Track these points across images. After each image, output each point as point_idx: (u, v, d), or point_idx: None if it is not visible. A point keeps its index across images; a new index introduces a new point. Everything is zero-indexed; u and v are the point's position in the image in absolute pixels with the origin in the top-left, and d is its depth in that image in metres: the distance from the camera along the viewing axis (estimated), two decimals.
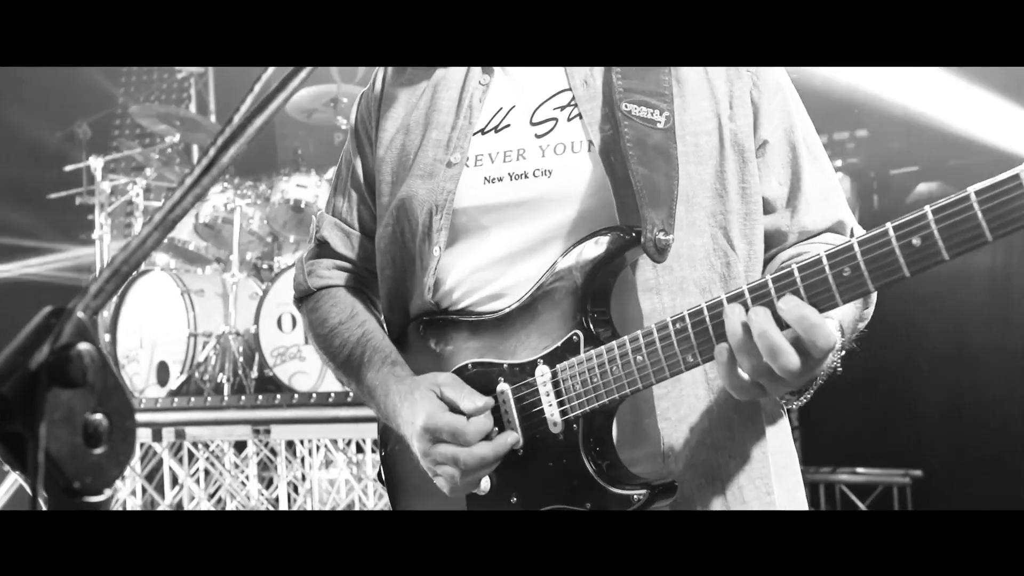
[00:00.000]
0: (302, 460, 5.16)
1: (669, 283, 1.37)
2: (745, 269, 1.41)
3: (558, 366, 1.34)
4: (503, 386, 1.39)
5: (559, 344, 1.34)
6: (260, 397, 4.61)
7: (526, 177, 1.41)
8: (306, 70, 0.95)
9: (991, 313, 5.33)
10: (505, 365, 1.39)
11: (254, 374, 5.00)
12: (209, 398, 4.76)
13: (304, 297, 1.70)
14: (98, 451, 0.76)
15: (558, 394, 1.33)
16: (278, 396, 4.58)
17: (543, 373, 1.35)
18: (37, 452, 0.71)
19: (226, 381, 5.00)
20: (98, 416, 0.76)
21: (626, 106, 1.37)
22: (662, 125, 1.36)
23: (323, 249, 1.68)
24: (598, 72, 1.44)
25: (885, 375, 5.14)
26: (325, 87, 5.35)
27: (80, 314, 0.79)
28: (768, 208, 1.44)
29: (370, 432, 4.48)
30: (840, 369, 1.26)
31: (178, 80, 7.48)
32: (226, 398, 4.71)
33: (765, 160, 1.43)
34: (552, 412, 1.34)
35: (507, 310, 1.41)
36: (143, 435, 4.78)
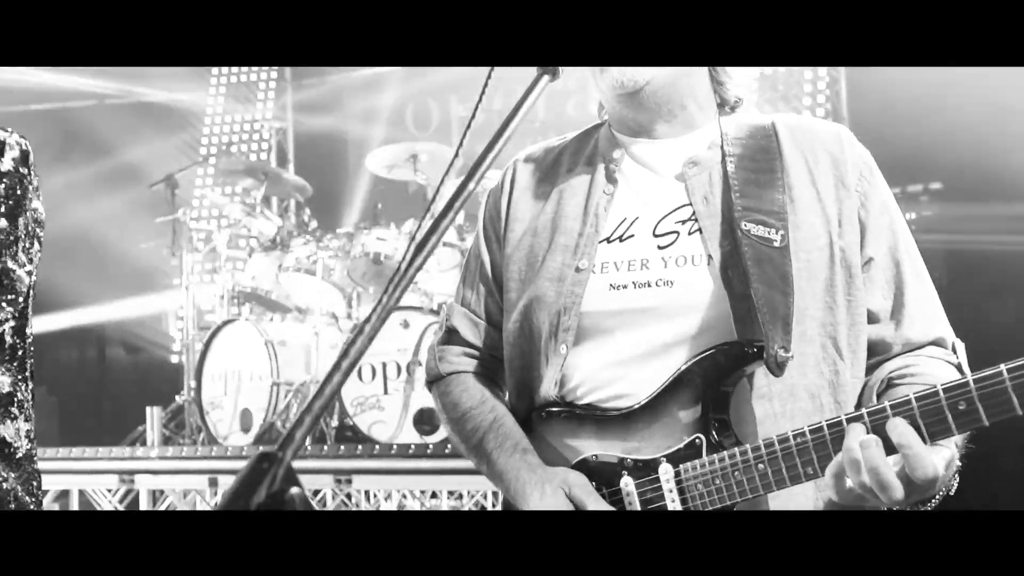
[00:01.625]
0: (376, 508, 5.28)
1: (780, 390, 1.47)
2: (851, 376, 1.50)
3: (681, 466, 1.44)
4: (627, 480, 1.49)
5: (682, 446, 1.45)
6: (342, 447, 4.74)
7: (649, 286, 1.52)
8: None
9: None
10: (628, 460, 1.49)
11: (334, 423, 5.15)
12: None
13: (435, 380, 1.81)
14: None
15: (680, 492, 1.44)
16: (359, 447, 4.71)
17: (667, 471, 1.45)
18: None
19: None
20: None
21: (745, 225, 1.49)
22: (778, 244, 1.48)
23: (453, 337, 1.79)
24: (717, 189, 1.55)
25: None
26: (405, 144, 5.54)
27: (287, 458, 0.90)
28: (872, 319, 1.54)
29: (446, 483, 4.59)
30: (952, 493, 1.33)
31: (259, 132, 7.76)
32: (308, 447, 4.85)
33: (870, 275, 1.54)
34: (675, 508, 1.44)
35: (632, 409, 1.50)
36: (227, 482, 4.93)
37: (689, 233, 1.54)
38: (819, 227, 1.51)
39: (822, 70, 6.22)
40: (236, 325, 5.56)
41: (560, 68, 1.30)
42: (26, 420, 2.05)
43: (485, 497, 4.71)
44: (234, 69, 7.80)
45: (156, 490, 5.21)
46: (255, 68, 7.75)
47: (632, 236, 1.57)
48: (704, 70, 1.63)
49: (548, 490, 1.50)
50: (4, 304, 1.91)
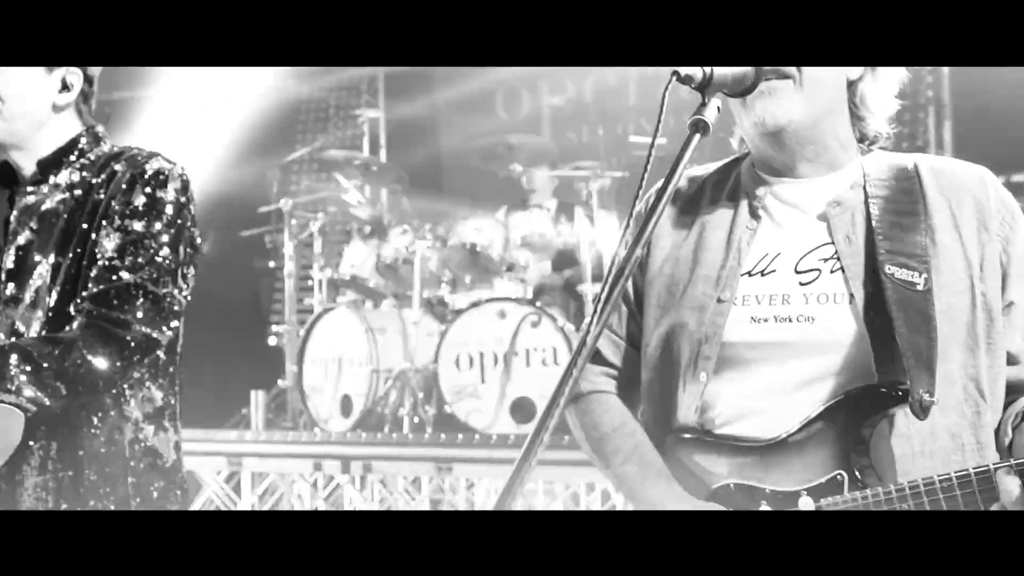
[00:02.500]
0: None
1: (920, 428, 1.49)
2: (992, 417, 1.53)
3: (823, 500, 1.47)
4: (766, 509, 1.52)
5: (823, 480, 1.49)
6: (443, 436, 4.86)
7: (790, 321, 1.56)
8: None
9: None
10: (767, 490, 1.53)
11: (432, 410, 5.28)
12: (395, 434, 5.06)
13: (575, 398, 1.83)
14: None
15: None
16: (460, 436, 4.82)
17: (807, 504, 1.48)
18: None
19: (405, 416, 5.29)
20: None
21: (889, 268, 1.52)
22: (921, 287, 1.51)
23: (594, 356, 1.80)
24: (860, 230, 1.58)
25: None
26: (501, 136, 5.61)
27: None
28: (1011, 360, 1.57)
29: (542, 474, 4.67)
30: None
31: (355, 123, 7.90)
32: (410, 435, 4.99)
33: (1011, 319, 1.57)
34: None
35: (773, 441, 1.54)
36: (331, 467, 5.11)
37: (831, 271, 1.57)
38: (961, 271, 1.54)
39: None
40: (337, 312, 5.72)
41: (710, 124, 1.33)
42: (175, 432, 2.19)
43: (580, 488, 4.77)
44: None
45: (257, 473, 5.41)
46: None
47: (774, 271, 1.61)
48: (845, 108, 1.64)
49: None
50: (165, 328, 2.04)
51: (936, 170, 1.63)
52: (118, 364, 1.97)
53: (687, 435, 1.63)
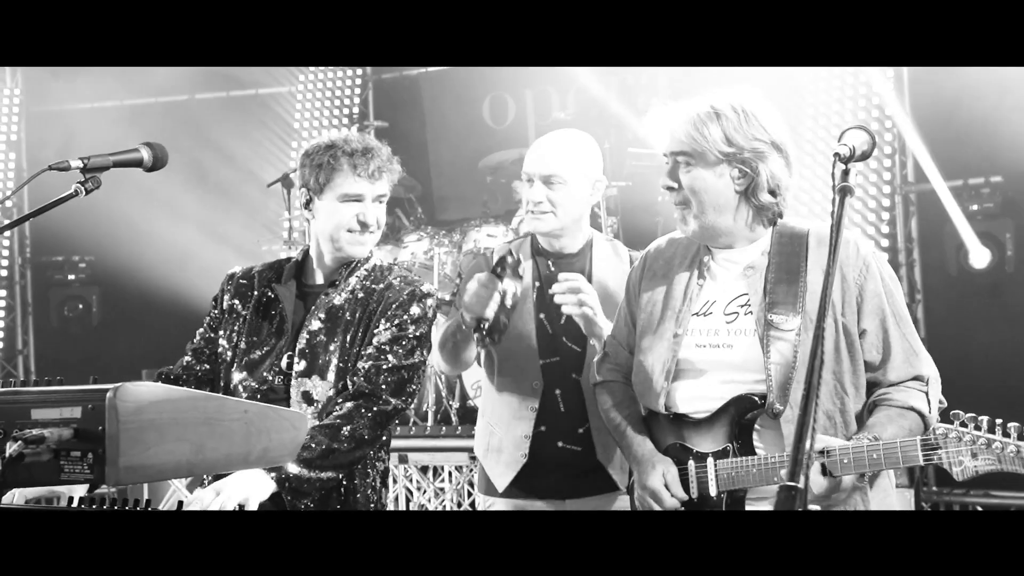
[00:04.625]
0: None
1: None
2: (854, 405, 2.32)
3: (719, 461, 2.34)
4: (691, 463, 2.39)
5: (720, 449, 2.36)
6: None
7: (719, 347, 2.38)
8: None
9: None
10: (695, 451, 2.40)
11: (456, 403, 5.70)
12: (428, 427, 5.48)
13: (594, 386, 2.75)
14: None
15: (716, 477, 2.33)
16: None
17: (711, 463, 2.35)
18: None
19: (430, 410, 5.71)
20: None
21: (770, 315, 2.31)
22: (790, 327, 2.28)
23: (606, 357, 2.72)
24: (760, 286, 2.36)
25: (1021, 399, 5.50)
26: (518, 150, 6.02)
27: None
28: (869, 367, 2.34)
29: None
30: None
31: (353, 130, 8.20)
32: (443, 428, 5.42)
33: (866, 339, 2.33)
34: (713, 487, 2.33)
35: (700, 420, 2.39)
36: None
37: (745, 314, 2.37)
38: (830, 311, 2.26)
39: (889, 70, 6.57)
40: None
41: (855, 187, 1.81)
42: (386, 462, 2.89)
43: None
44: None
45: None
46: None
47: (711, 313, 2.42)
48: (749, 214, 2.38)
49: (660, 468, 2.40)
50: (410, 400, 2.76)
51: (820, 237, 2.37)
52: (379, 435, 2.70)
53: (658, 414, 2.47)
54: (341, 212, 2.74)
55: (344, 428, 2.57)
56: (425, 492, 5.69)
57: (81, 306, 8.41)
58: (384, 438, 2.75)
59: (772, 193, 2.33)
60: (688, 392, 2.40)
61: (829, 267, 1.67)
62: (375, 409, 2.62)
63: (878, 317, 2.31)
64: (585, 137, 3.02)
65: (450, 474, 5.68)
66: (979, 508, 5.94)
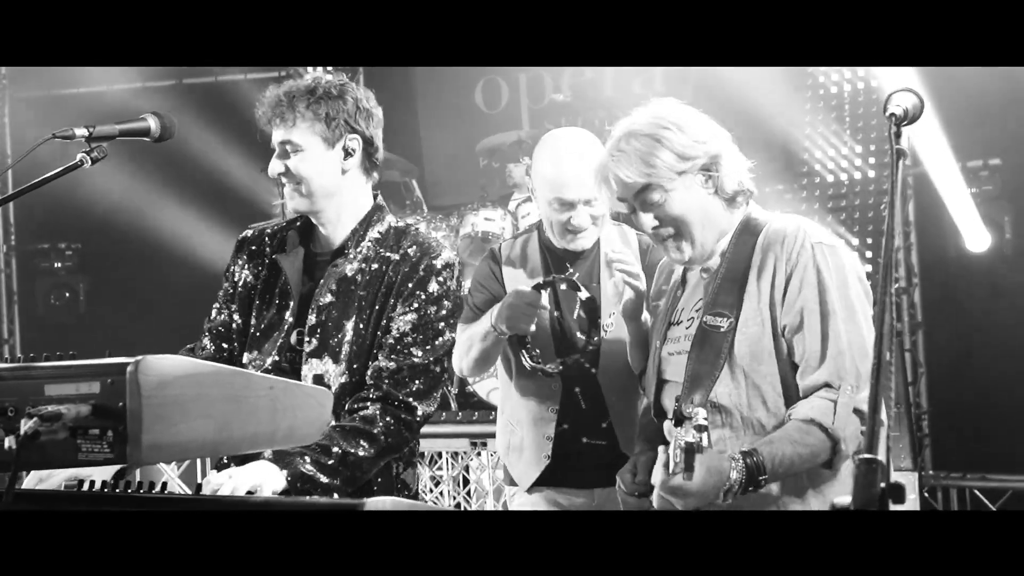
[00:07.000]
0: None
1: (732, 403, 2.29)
2: (770, 414, 2.25)
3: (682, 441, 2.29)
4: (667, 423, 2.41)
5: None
6: (476, 414, 5.22)
7: (681, 354, 2.36)
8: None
9: None
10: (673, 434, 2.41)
11: (454, 389, 5.63)
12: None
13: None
14: None
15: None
16: (493, 413, 5.17)
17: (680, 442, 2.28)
18: None
19: None
20: None
21: (705, 316, 2.31)
22: (724, 329, 2.27)
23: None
24: (710, 290, 2.36)
25: (1018, 383, 5.55)
26: (515, 132, 5.95)
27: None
28: (795, 369, 2.25)
29: None
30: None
31: None
32: (443, 414, 5.33)
33: (785, 337, 2.24)
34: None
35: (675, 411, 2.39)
36: None
37: (699, 319, 2.34)
38: (764, 308, 2.26)
39: None
40: None
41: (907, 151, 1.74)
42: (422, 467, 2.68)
43: None
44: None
45: None
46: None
47: (680, 321, 2.45)
48: (722, 219, 2.37)
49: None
50: (435, 401, 2.53)
51: (769, 236, 2.32)
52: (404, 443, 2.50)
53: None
54: (271, 166, 2.54)
55: (363, 438, 2.38)
56: (421, 478, 5.60)
57: (68, 294, 8.25)
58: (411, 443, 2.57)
59: (738, 182, 2.34)
60: (668, 400, 2.41)
61: (889, 230, 1.60)
62: (401, 417, 2.42)
63: (798, 314, 2.22)
64: (596, 141, 2.92)
65: (448, 461, 5.63)
66: (976, 491, 5.92)
